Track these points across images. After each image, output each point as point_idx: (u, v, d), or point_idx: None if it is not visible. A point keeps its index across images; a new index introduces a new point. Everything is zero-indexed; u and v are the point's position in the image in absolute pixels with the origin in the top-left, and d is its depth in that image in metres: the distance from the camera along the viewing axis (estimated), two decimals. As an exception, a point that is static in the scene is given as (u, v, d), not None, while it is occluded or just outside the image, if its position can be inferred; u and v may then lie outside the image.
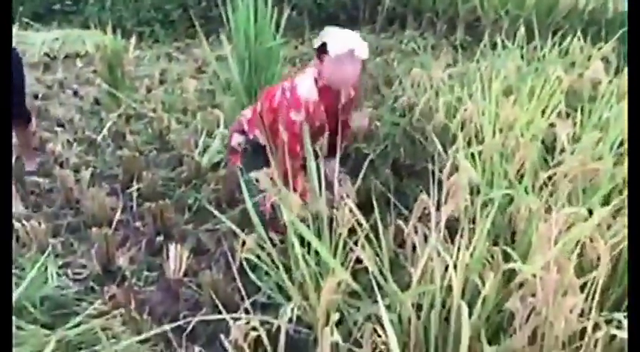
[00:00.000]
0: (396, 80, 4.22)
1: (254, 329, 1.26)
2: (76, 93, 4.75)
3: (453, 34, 6.65)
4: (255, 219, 1.62)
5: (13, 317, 1.62)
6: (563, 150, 2.07)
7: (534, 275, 1.14)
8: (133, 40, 6.06)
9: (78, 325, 1.72)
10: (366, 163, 2.04)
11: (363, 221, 1.43)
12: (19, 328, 1.63)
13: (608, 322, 1.15)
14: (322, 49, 2.00)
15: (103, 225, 2.38)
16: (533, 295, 1.14)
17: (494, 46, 3.66)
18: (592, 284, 1.26)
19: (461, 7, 6.60)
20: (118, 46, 4.35)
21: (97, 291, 2.08)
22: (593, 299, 1.23)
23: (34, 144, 3.36)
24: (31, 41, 5.96)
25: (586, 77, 2.87)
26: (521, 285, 1.24)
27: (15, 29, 5.69)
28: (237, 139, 2.34)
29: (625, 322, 1.12)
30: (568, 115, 2.58)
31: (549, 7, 5.62)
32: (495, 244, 1.52)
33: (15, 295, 1.70)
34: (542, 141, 2.34)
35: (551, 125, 2.35)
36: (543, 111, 2.25)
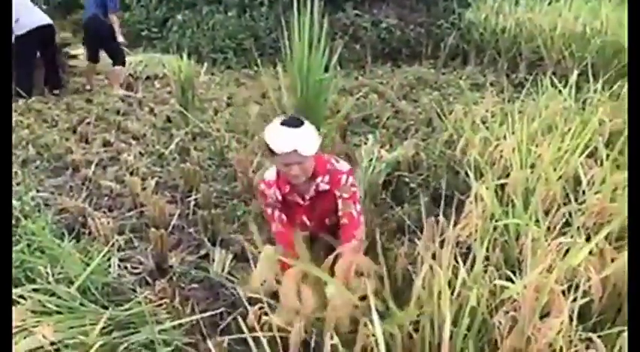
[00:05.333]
0: (449, 115, 4.35)
1: (266, 314, 1.45)
2: (151, 110, 5.24)
3: (515, 72, 6.69)
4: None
5: (78, 294, 1.91)
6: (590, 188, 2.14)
7: (518, 294, 1.26)
8: (205, 65, 6.60)
9: (129, 308, 1.98)
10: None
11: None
12: (81, 305, 1.92)
13: (584, 340, 1.24)
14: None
15: (161, 228, 2.68)
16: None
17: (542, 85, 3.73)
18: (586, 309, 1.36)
19: (524, 47, 6.66)
20: (191, 71, 4.80)
21: (150, 284, 2.36)
22: (583, 322, 1.33)
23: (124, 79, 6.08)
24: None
25: (632, 121, 2.89)
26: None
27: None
28: None
29: (598, 342, 1.21)
30: (607, 156, 2.62)
31: (615, 50, 5.56)
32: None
33: (82, 277, 2.00)
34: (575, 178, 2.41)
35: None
36: (576, 151, 2.32)
